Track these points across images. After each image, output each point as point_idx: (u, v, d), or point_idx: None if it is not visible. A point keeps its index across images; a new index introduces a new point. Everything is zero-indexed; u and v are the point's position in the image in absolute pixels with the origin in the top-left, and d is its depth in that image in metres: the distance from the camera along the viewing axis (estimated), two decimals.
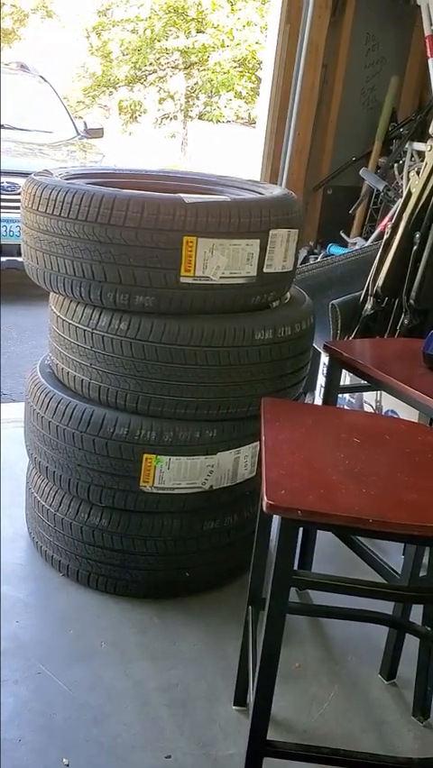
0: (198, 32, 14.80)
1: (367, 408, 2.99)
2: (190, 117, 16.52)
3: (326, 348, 2.27)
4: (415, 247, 2.72)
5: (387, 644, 2.06)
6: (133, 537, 2.19)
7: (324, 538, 2.26)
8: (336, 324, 2.91)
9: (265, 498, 1.34)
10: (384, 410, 2.88)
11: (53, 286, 2.13)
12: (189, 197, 1.98)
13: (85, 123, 7.48)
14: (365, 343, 2.59)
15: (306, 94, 3.99)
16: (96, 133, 7.39)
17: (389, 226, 2.85)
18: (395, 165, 4.12)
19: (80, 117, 9.41)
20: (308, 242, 4.25)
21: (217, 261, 1.99)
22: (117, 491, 2.13)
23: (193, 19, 14.69)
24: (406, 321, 2.77)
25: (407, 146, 4.09)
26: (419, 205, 2.71)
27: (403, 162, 4.09)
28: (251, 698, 1.53)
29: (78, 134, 7.22)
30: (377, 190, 4.06)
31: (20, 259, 2.34)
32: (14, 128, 6.62)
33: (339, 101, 4.19)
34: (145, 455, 2.08)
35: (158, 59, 15.59)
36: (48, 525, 2.32)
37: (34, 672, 1.97)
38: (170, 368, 2.03)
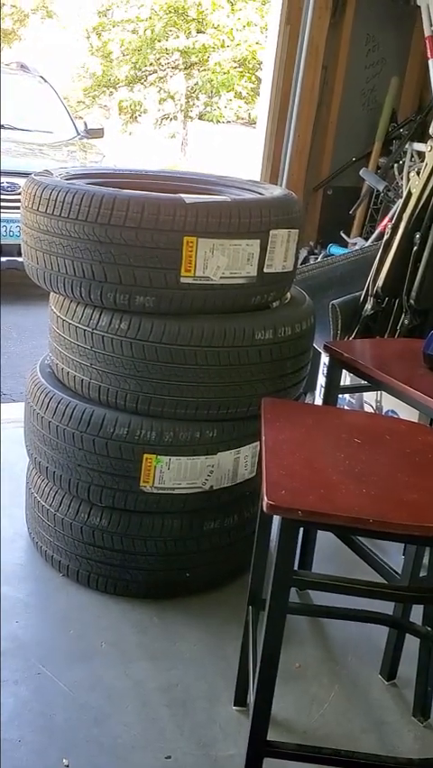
0: (199, 32, 14.80)
1: (367, 408, 2.99)
2: (190, 117, 16.52)
3: (326, 348, 2.27)
4: (415, 247, 2.72)
5: (387, 644, 2.06)
6: (133, 537, 2.19)
7: (324, 538, 2.27)
8: (336, 324, 2.91)
9: (265, 498, 1.34)
10: (384, 410, 2.88)
11: (53, 286, 2.13)
12: (190, 198, 1.98)
13: (85, 124, 7.48)
14: (366, 344, 2.59)
15: (306, 94, 3.99)
16: (97, 134, 7.40)
17: (389, 227, 2.85)
18: (395, 165, 4.12)
19: (80, 117, 9.40)
20: (308, 243, 4.25)
21: (218, 261, 1.99)
22: (117, 491, 2.13)
23: (193, 19, 14.69)
24: (406, 321, 2.77)
25: (407, 146, 4.09)
26: (420, 206, 2.71)
27: (403, 163, 4.09)
28: (251, 698, 1.53)
29: (79, 134, 7.23)
30: (377, 191, 4.06)
31: (20, 259, 2.34)
32: (15, 128, 6.63)
33: (339, 101, 4.19)
34: (145, 455, 2.08)
35: (158, 59, 15.59)
36: (48, 526, 2.32)
37: (34, 672, 1.97)
38: (171, 368, 2.03)
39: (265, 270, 2.09)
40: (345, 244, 4.20)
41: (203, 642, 2.14)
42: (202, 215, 1.94)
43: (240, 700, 1.92)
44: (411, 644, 1.99)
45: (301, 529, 1.75)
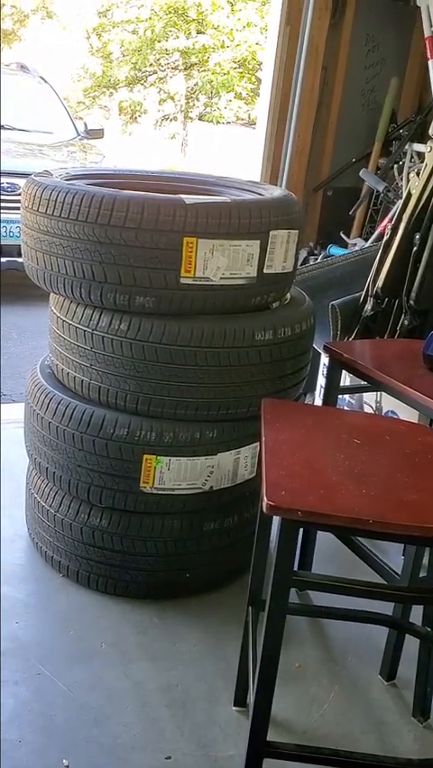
0: (199, 32, 14.79)
1: (367, 409, 2.99)
2: (190, 118, 16.52)
3: (326, 349, 2.27)
4: (415, 248, 2.72)
5: (387, 644, 2.06)
6: (133, 538, 2.19)
7: (324, 539, 2.26)
8: (336, 324, 2.91)
9: (265, 498, 1.34)
10: (384, 411, 2.88)
11: (53, 286, 2.13)
12: (190, 198, 1.98)
13: (85, 124, 7.48)
14: (365, 344, 2.59)
15: (306, 95, 4.00)
16: (97, 134, 7.40)
17: (389, 227, 2.85)
18: (395, 166, 4.12)
19: (80, 118, 9.40)
20: (308, 243, 4.25)
21: (217, 262, 1.99)
22: (117, 492, 2.13)
23: (193, 20, 14.68)
24: (406, 322, 2.77)
25: (407, 147, 4.09)
26: (419, 207, 2.71)
27: (403, 163, 4.09)
28: (251, 698, 1.53)
29: (79, 135, 7.22)
30: (377, 191, 4.06)
31: (20, 259, 2.34)
32: (15, 129, 6.63)
33: (339, 102, 4.19)
34: (145, 456, 2.08)
35: (158, 59, 15.59)
36: (48, 526, 2.32)
37: (34, 672, 1.97)
38: (170, 368, 2.03)
39: (265, 271, 2.09)
40: (344, 245, 4.20)
41: (203, 642, 2.14)
42: (202, 216, 1.94)
43: (240, 701, 1.92)
44: (411, 645, 1.99)
45: (301, 530, 1.75)
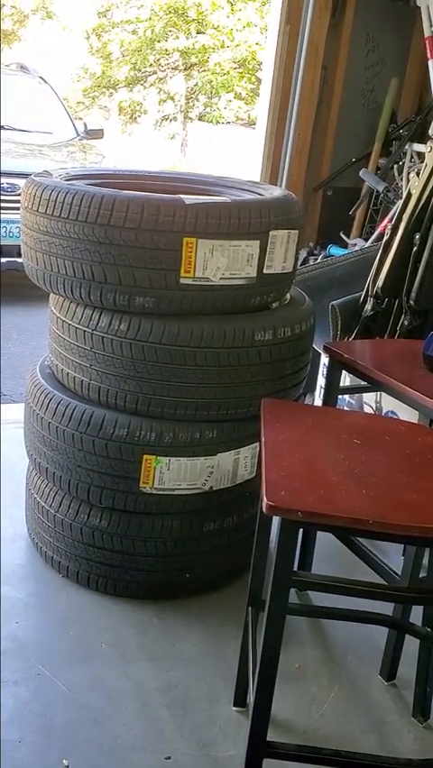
0: (198, 32, 14.79)
1: (367, 409, 2.99)
2: (190, 118, 16.52)
3: (326, 349, 2.27)
4: (415, 248, 2.72)
5: (387, 644, 2.06)
6: (132, 538, 2.19)
7: (324, 539, 2.26)
8: (335, 324, 2.91)
9: (265, 498, 1.34)
10: (384, 411, 2.88)
11: (53, 287, 2.13)
12: (189, 198, 1.98)
13: (85, 124, 7.48)
14: (365, 344, 2.59)
15: (306, 95, 3.99)
16: (96, 134, 7.40)
17: (389, 227, 2.85)
18: (395, 166, 4.12)
19: (80, 118, 9.40)
20: (308, 243, 4.25)
21: (217, 262, 1.99)
22: (117, 492, 2.13)
23: (193, 20, 14.68)
24: (406, 322, 2.77)
25: (407, 147, 4.09)
26: (419, 207, 2.71)
27: (403, 163, 4.09)
28: (251, 699, 1.53)
29: (78, 135, 7.22)
30: (377, 191, 4.06)
31: (20, 260, 2.34)
32: (14, 129, 6.63)
33: (339, 102, 4.19)
34: (145, 456, 2.08)
35: (158, 60, 15.58)
36: (48, 526, 2.32)
37: (34, 672, 1.97)
38: (170, 369, 2.03)
39: (265, 271, 2.09)
40: (344, 245, 4.20)
41: (203, 643, 2.14)
42: (202, 216, 1.94)
43: (240, 701, 1.92)
44: (411, 645, 1.99)
45: (301, 530, 1.75)
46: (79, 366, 2.15)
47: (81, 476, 2.15)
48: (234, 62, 14.72)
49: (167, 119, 16.33)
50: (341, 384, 2.33)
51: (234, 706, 1.92)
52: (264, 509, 1.34)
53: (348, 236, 4.28)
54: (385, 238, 2.84)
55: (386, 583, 2.03)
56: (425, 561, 1.99)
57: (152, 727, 1.84)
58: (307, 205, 4.19)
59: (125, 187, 2.19)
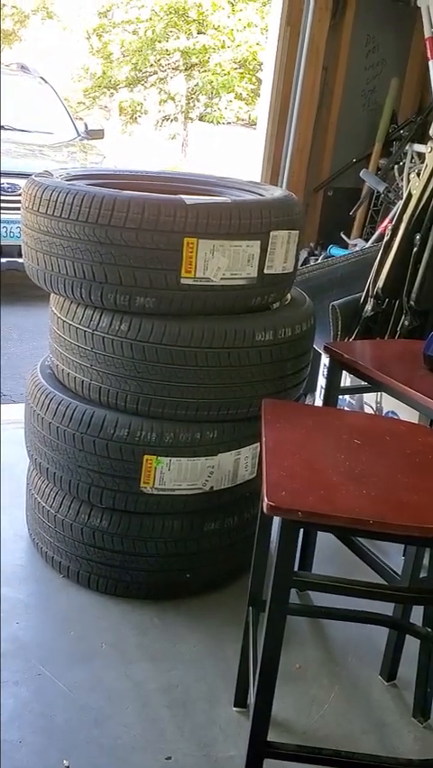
0: (199, 33, 14.80)
1: (367, 410, 2.99)
2: (191, 119, 16.52)
3: (326, 349, 2.27)
4: (415, 248, 2.72)
5: (387, 645, 2.06)
6: (133, 539, 2.19)
7: (324, 539, 2.27)
8: (336, 325, 2.91)
9: (266, 499, 1.34)
10: (384, 411, 2.88)
11: (54, 287, 2.13)
12: (190, 199, 1.98)
13: (85, 125, 7.48)
14: (366, 345, 2.59)
15: (306, 95, 4.00)
16: (97, 135, 7.40)
17: (389, 228, 2.85)
18: (395, 167, 4.12)
19: (81, 118, 9.40)
20: (308, 244, 4.25)
21: (218, 263, 1.99)
22: (118, 493, 2.13)
23: (194, 20, 14.68)
24: (406, 322, 2.77)
25: (407, 148, 4.09)
26: (420, 207, 2.72)
27: (403, 164, 4.08)
28: (251, 699, 1.53)
29: (79, 135, 7.22)
30: (377, 192, 4.06)
31: (20, 260, 2.34)
32: (15, 129, 6.63)
33: (340, 102, 4.19)
34: (146, 456, 2.08)
35: (158, 60, 15.59)
36: (48, 527, 2.32)
37: (35, 673, 1.97)
38: (171, 369, 2.03)
39: (265, 272, 2.09)
40: (345, 245, 4.20)
41: (203, 643, 2.14)
42: (202, 217, 1.94)
43: (240, 702, 1.92)
44: (411, 646, 1.99)
45: (301, 530, 1.75)
46: (80, 366, 2.15)
47: (82, 476, 2.15)
48: (235, 63, 14.72)
49: (167, 119, 16.34)
50: (341, 384, 2.33)
51: (234, 706, 1.92)
52: (265, 509, 1.34)
53: (349, 237, 4.28)
54: (386, 238, 2.84)
55: (386, 583, 2.03)
56: (425, 561, 1.99)
57: (152, 728, 1.84)
58: (307, 206, 4.20)
59: (126, 188, 2.19)
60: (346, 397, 3.08)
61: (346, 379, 2.48)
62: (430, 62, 3.75)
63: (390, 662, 2.06)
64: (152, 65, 15.63)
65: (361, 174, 4.08)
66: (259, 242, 2.04)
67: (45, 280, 2.14)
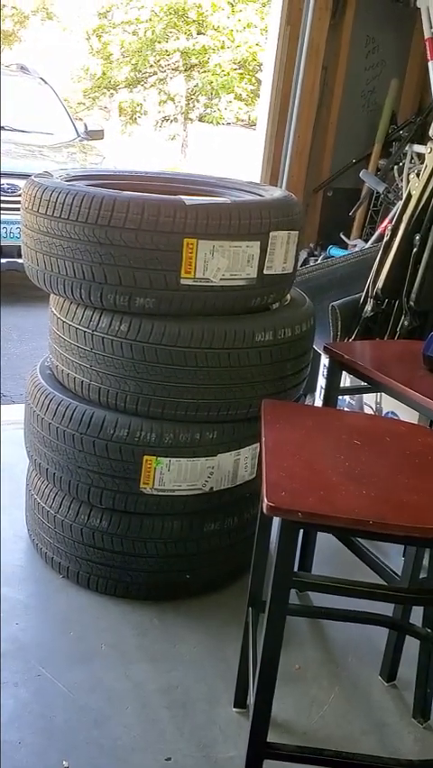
0: (199, 33, 14.80)
1: (367, 410, 2.99)
2: (190, 119, 16.52)
3: (326, 350, 2.27)
4: (415, 249, 2.72)
5: (387, 645, 2.06)
6: (133, 539, 2.18)
7: (324, 540, 2.26)
8: (336, 325, 2.91)
9: (265, 499, 1.34)
10: (384, 412, 2.88)
11: (53, 287, 2.13)
12: (190, 199, 1.98)
13: (85, 125, 7.48)
14: (365, 345, 2.59)
15: (306, 96, 4.00)
16: (97, 135, 7.40)
17: (389, 228, 2.85)
18: (395, 167, 4.12)
19: (80, 119, 9.40)
20: (308, 244, 4.25)
21: (218, 263, 1.99)
22: (117, 493, 2.13)
23: (193, 21, 14.69)
24: (406, 323, 2.77)
25: (407, 148, 4.09)
26: (419, 208, 2.72)
27: (403, 164, 4.09)
28: (251, 700, 1.53)
29: (79, 136, 7.23)
30: (377, 192, 4.06)
31: (20, 260, 2.34)
32: (15, 130, 6.63)
33: (339, 103, 4.19)
34: (145, 457, 2.08)
35: (158, 60, 15.59)
36: (48, 527, 2.32)
37: (34, 673, 1.97)
38: (171, 369, 2.03)
39: (265, 272, 2.09)
40: (344, 246, 4.20)
41: (203, 644, 2.14)
42: (202, 217, 1.94)
43: (240, 702, 1.92)
44: (411, 646, 1.99)
45: (301, 531, 1.75)
46: (80, 367, 2.15)
47: (81, 477, 2.15)
48: (235, 63, 14.73)
49: (167, 120, 16.34)
50: (341, 385, 2.33)
51: (234, 707, 1.92)
52: (265, 510, 1.34)
53: (348, 237, 4.28)
54: (385, 239, 2.84)
55: (386, 584, 2.03)
56: (425, 561, 1.99)
57: (152, 728, 1.84)
58: (307, 206, 4.20)
59: (126, 188, 2.19)
60: (346, 397, 3.08)
61: (346, 380, 2.48)
62: (430, 63, 3.75)
63: (390, 663, 2.06)
64: (151, 66, 15.64)
65: (360, 174, 4.08)
66: (259, 242, 2.04)
67: (45, 281, 2.14)
